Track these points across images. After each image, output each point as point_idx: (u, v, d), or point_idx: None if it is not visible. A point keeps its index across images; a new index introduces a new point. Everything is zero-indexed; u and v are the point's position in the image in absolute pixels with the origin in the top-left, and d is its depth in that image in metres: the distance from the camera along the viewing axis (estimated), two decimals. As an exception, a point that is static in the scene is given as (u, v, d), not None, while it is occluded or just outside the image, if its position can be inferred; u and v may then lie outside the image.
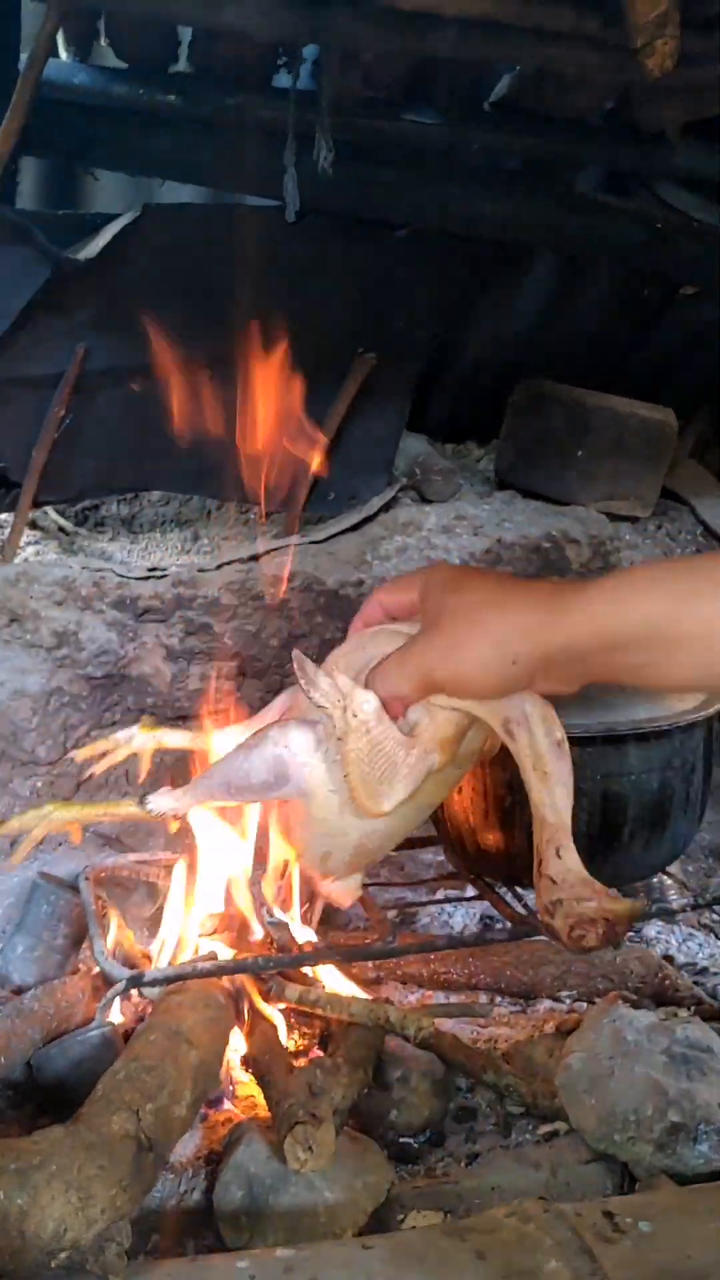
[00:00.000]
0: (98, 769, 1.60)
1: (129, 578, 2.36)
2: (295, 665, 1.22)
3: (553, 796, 1.24)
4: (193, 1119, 1.35)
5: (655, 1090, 1.46)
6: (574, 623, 1.08)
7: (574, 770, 1.68)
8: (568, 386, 2.68)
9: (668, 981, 1.90)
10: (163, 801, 1.39)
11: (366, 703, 1.18)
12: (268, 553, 2.44)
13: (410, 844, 2.23)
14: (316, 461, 2.50)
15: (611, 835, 1.78)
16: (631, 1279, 1.12)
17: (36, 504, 2.38)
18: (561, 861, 1.20)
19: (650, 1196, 1.31)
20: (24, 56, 2.09)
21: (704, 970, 2.04)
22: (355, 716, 1.18)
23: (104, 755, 1.59)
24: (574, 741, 1.76)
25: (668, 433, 2.71)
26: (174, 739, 1.64)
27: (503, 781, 1.78)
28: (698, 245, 2.52)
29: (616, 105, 2.20)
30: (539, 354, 2.78)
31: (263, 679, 2.41)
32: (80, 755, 1.62)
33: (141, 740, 1.59)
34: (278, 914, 1.75)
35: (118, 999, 1.61)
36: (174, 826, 1.62)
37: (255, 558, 2.45)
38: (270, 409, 2.47)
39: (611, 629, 1.06)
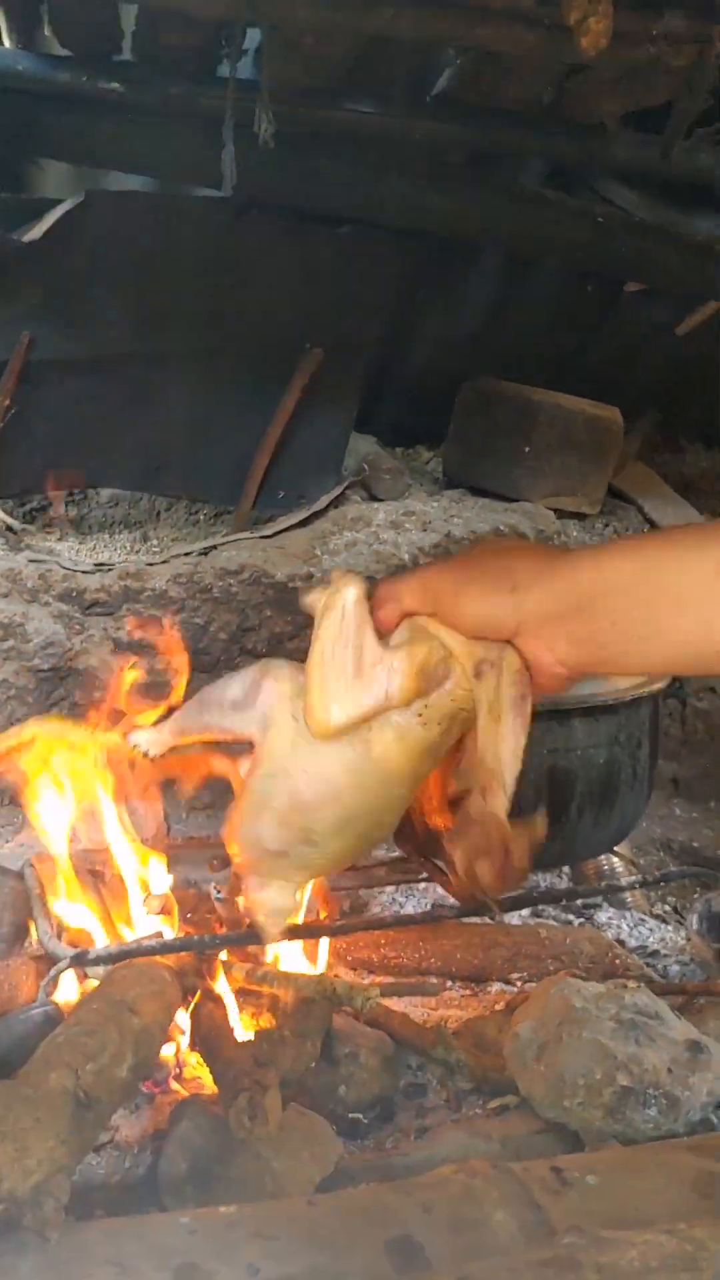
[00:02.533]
0: None
1: (75, 570, 2.35)
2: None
3: (497, 745, 1.22)
4: (135, 1085, 1.32)
5: (604, 1055, 1.45)
6: (570, 564, 1.10)
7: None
8: (515, 384, 2.70)
9: (618, 961, 1.90)
10: (143, 736, 1.37)
11: (351, 588, 1.15)
12: (214, 547, 2.43)
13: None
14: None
15: (559, 811, 1.78)
16: (576, 1242, 1.10)
17: (-17, 497, 2.36)
18: (484, 803, 1.18)
19: (598, 1154, 1.31)
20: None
21: (655, 953, 2.03)
22: (336, 594, 1.14)
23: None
24: (521, 716, 1.77)
25: (614, 430, 2.73)
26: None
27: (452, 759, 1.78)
28: (639, 241, 2.55)
29: (556, 97, 2.23)
30: (487, 354, 2.80)
31: (210, 672, 2.39)
32: None
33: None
34: (222, 891, 1.73)
35: (62, 978, 1.58)
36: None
37: (204, 551, 2.45)
38: (218, 403, 2.48)
39: (605, 575, 1.08)
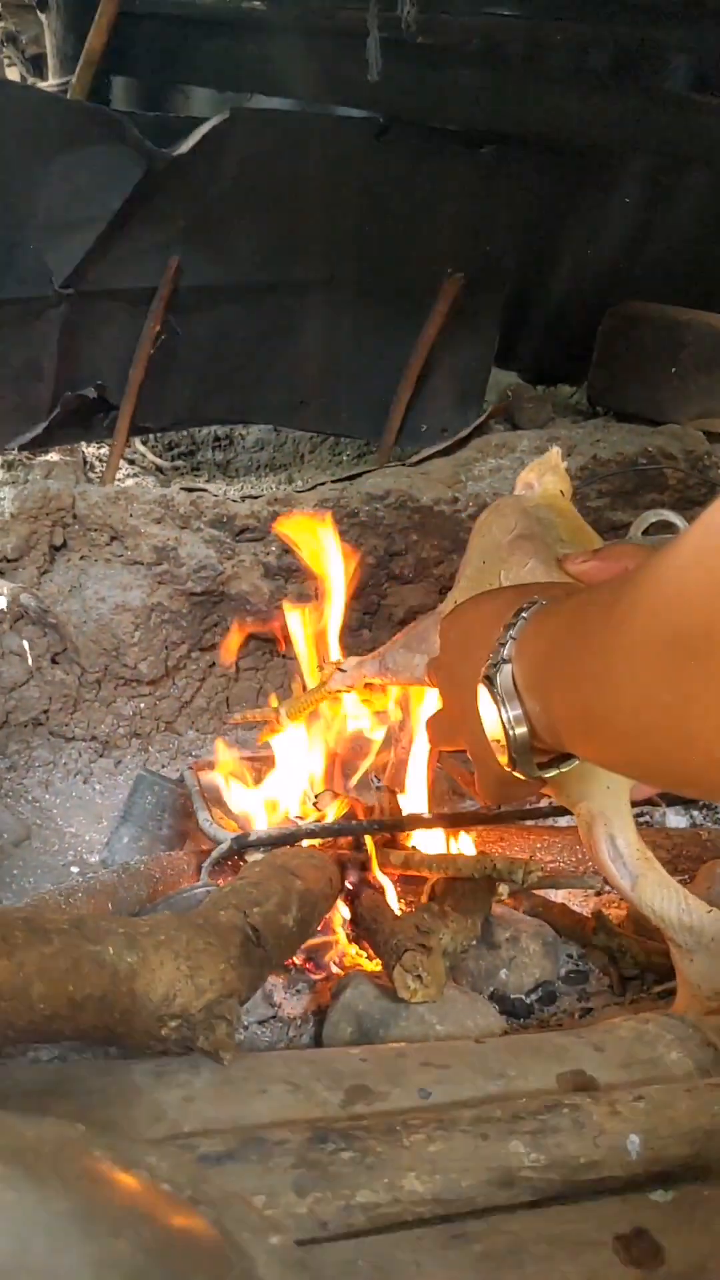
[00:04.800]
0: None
1: (226, 498, 2.39)
2: None
3: None
4: (299, 938, 1.33)
5: (775, 926, 1.41)
6: None
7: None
8: (659, 305, 2.65)
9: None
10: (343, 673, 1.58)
11: None
12: (362, 474, 2.44)
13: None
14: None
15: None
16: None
17: (133, 430, 2.41)
18: None
19: (775, 1012, 1.26)
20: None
21: None
22: None
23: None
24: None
25: (763, 348, 2.66)
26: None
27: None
28: (791, 143, 2.48)
29: (700, -12, 2.17)
30: (630, 280, 2.75)
31: (359, 598, 2.40)
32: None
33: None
34: (382, 781, 1.73)
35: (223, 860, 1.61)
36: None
37: (350, 478, 2.46)
38: (359, 333, 2.49)
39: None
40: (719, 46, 2.33)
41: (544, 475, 1.31)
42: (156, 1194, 0.49)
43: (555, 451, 1.32)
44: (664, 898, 1.33)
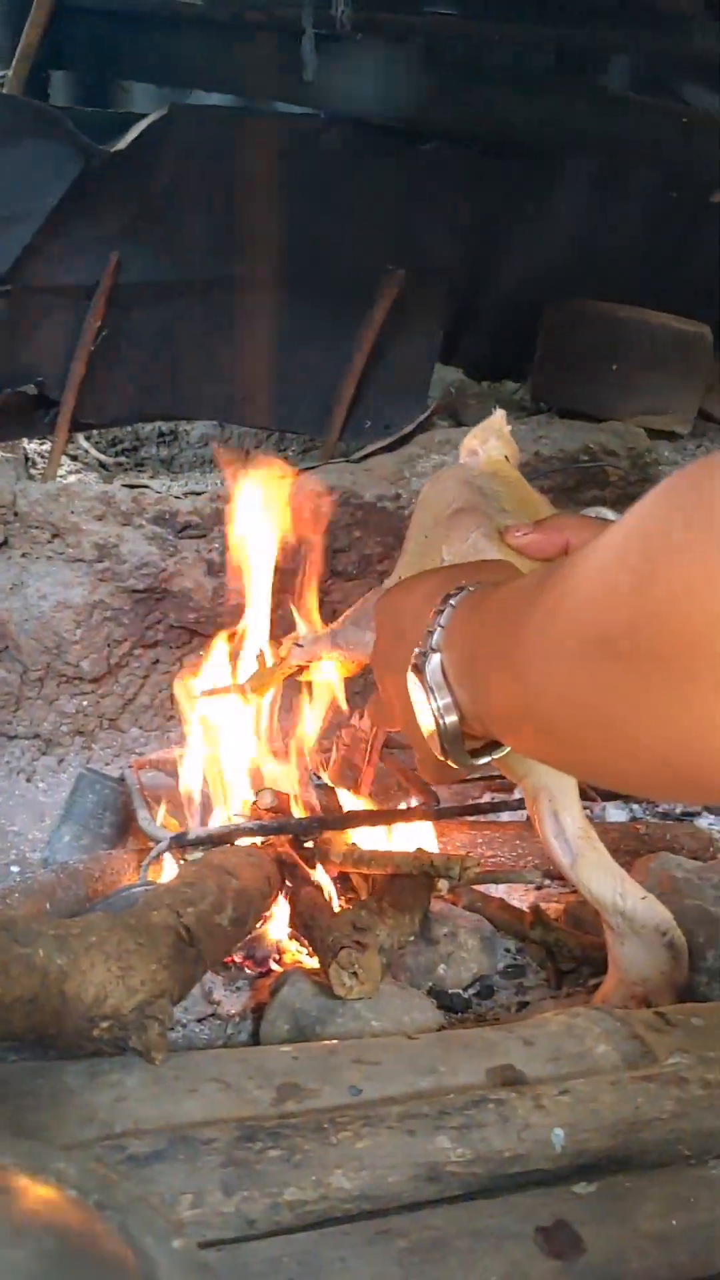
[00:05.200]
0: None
1: (168, 495, 2.38)
2: None
3: None
4: (234, 937, 1.34)
5: (707, 920, 1.43)
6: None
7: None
8: (601, 303, 2.67)
9: (719, 856, 1.87)
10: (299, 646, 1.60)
11: None
12: (306, 469, 2.44)
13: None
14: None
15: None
16: (681, 1061, 1.09)
17: (75, 426, 2.40)
18: None
19: (704, 1004, 1.28)
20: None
21: (757, 855, 2.00)
22: None
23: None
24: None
25: (703, 346, 2.69)
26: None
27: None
28: (725, 144, 2.51)
29: (638, -12, 2.19)
30: (572, 277, 2.77)
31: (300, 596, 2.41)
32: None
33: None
34: (324, 777, 1.74)
35: (163, 860, 1.61)
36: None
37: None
38: (302, 329, 2.49)
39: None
40: (657, 48, 2.35)
41: (487, 441, 1.29)
42: (60, 1201, 0.49)
43: (499, 415, 1.30)
44: (601, 880, 1.35)
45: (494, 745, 0.81)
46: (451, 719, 0.76)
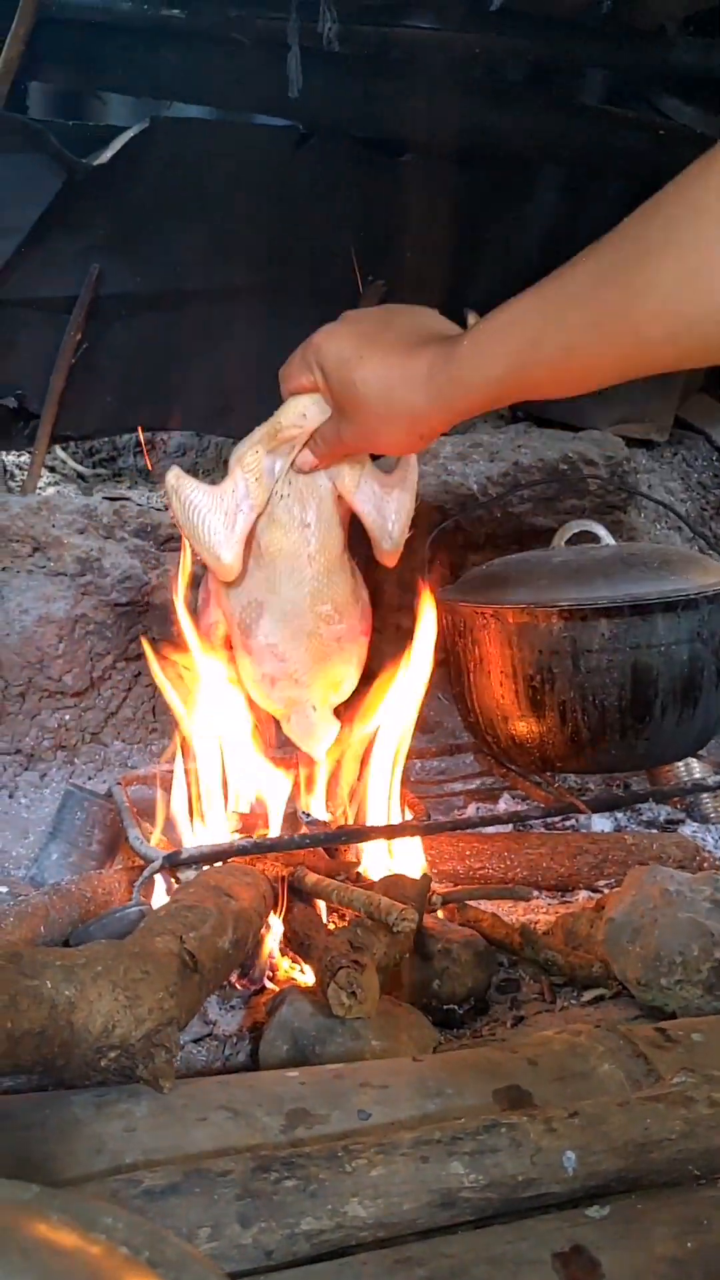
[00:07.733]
0: None
1: (150, 507, 2.37)
2: None
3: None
4: (235, 960, 1.33)
5: (700, 932, 1.44)
6: (467, 377, 1.10)
7: (604, 642, 1.73)
8: (577, 312, 2.68)
9: (706, 866, 1.89)
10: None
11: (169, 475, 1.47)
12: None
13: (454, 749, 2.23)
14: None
15: (643, 709, 1.78)
16: (687, 1080, 1.10)
17: (55, 438, 2.39)
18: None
19: (703, 1019, 1.30)
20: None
21: (742, 863, 2.02)
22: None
23: None
24: (602, 613, 1.77)
25: (680, 355, 2.71)
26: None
27: (531, 663, 1.79)
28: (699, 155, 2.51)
29: (614, 6, 2.20)
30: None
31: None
32: None
33: None
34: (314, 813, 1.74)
35: (154, 879, 1.60)
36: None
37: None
38: (282, 340, 2.48)
39: (501, 366, 1.05)
40: (635, 62, 2.37)
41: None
42: (115, 1260, 0.49)
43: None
44: None
45: None
46: None
